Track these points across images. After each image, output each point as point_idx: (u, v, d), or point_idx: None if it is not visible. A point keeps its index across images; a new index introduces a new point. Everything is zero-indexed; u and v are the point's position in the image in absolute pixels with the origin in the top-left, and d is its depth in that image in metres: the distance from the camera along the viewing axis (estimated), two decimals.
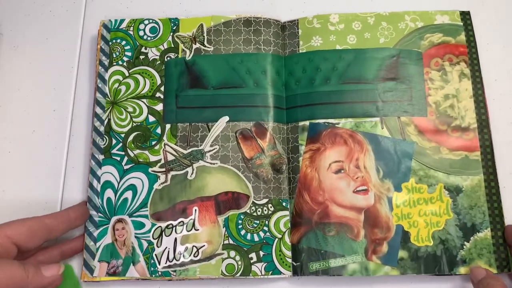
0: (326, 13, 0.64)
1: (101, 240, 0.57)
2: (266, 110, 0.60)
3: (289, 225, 0.57)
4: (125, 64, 0.63)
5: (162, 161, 0.59)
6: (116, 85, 0.62)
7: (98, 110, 0.61)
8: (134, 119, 0.61)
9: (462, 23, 0.62)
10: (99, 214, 0.58)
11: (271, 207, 0.57)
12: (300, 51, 0.63)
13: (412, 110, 0.59)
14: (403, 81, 0.60)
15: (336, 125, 0.59)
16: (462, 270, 0.54)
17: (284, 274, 0.55)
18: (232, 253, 0.56)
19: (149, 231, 0.57)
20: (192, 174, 0.58)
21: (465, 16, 0.62)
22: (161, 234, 0.56)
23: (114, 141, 0.60)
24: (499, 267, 0.54)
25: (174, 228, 0.57)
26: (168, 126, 0.60)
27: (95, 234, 0.57)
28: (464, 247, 0.55)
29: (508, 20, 0.64)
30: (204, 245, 0.56)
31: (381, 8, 0.64)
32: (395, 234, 0.56)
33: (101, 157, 0.60)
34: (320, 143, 0.59)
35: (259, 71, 0.61)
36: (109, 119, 0.61)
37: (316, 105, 0.60)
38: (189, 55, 0.63)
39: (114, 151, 0.60)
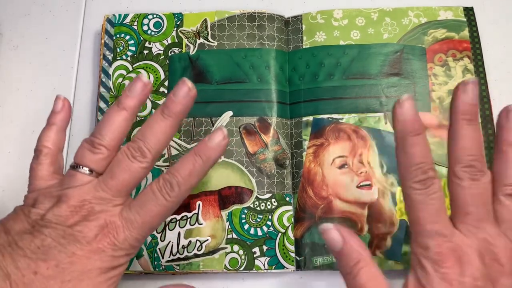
0: (330, 9, 0.64)
1: None
2: (269, 105, 0.60)
3: (292, 220, 0.57)
4: (129, 58, 0.63)
5: (166, 156, 0.59)
6: (120, 79, 0.62)
7: (102, 104, 0.61)
8: (137, 114, 0.60)
9: (465, 19, 0.62)
10: None
11: (274, 201, 0.57)
12: (304, 47, 0.63)
13: (415, 105, 0.59)
14: (407, 76, 0.60)
15: (340, 120, 0.59)
16: None
17: (287, 268, 0.55)
18: (236, 247, 0.56)
19: None
20: None
21: (469, 12, 0.62)
22: (164, 228, 0.56)
23: None
24: None
25: (177, 222, 0.57)
26: None
27: None
28: None
29: (509, 20, 0.64)
30: (207, 239, 0.56)
31: (385, 4, 0.64)
32: (399, 229, 0.56)
33: None
34: (323, 138, 0.59)
35: (263, 66, 0.61)
36: None
37: (320, 101, 0.60)
38: (193, 50, 0.63)
39: None
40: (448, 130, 0.40)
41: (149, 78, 0.61)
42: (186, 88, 0.43)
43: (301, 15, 0.64)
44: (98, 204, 0.40)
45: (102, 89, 0.62)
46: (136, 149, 0.41)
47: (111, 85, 0.62)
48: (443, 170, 0.57)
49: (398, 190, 0.57)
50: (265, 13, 0.64)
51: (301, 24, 0.64)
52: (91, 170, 0.41)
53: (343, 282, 0.40)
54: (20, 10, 0.69)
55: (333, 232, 0.40)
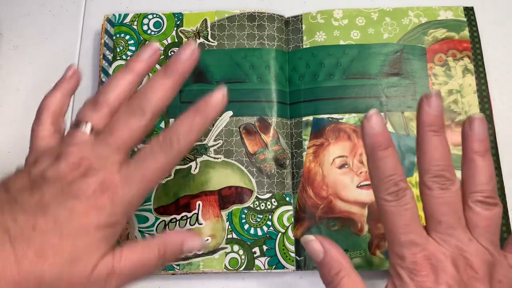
0: (330, 8, 0.64)
1: None
2: (269, 105, 0.60)
3: (292, 219, 0.57)
4: (128, 58, 0.63)
5: None
6: None
7: None
8: None
9: (465, 19, 0.62)
10: None
11: (274, 201, 0.57)
12: (304, 47, 0.63)
13: (416, 105, 0.59)
14: (407, 76, 0.60)
15: (340, 120, 0.59)
16: None
17: (287, 268, 0.55)
18: (236, 247, 0.56)
19: (153, 225, 0.57)
20: (195, 168, 0.59)
21: (469, 11, 0.62)
22: (164, 228, 0.57)
23: None
24: None
25: (177, 222, 0.57)
26: (171, 120, 0.60)
27: None
28: None
29: (509, 20, 0.64)
30: (207, 239, 0.56)
31: (385, 4, 0.64)
32: None
33: None
34: (323, 138, 0.59)
35: (263, 66, 0.61)
36: None
37: (320, 100, 0.60)
38: None
39: None
40: (416, 142, 0.41)
41: (148, 77, 0.62)
42: (189, 50, 0.43)
43: (301, 15, 0.64)
44: (97, 160, 0.40)
45: None
46: (135, 106, 0.42)
47: None
48: None
49: None
50: (265, 13, 0.63)
51: (301, 24, 0.64)
52: (91, 128, 0.41)
53: None
54: (20, 10, 0.69)
55: (315, 243, 0.42)
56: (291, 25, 0.64)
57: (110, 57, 0.63)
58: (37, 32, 0.68)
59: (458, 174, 0.56)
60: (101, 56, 0.63)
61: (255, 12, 0.64)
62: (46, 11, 0.69)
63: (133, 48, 0.64)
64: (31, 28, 0.68)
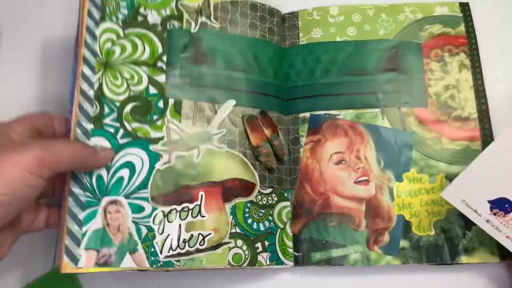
0: (326, 5, 0.64)
1: (88, 224, 0.48)
2: (270, 99, 0.59)
3: (290, 215, 0.57)
4: (119, 22, 0.55)
5: (165, 139, 0.53)
6: (109, 44, 0.54)
7: (87, 70, 0.52)
8: (132, 88, 0.54)
9: (461, 14, 0.63)
10: (86, 193, 0.49)
11: (275, 197, 0.56)
12: (300, 43, 0.62)
13: (412, 101, 0.60)
14: (403, 72, 0.61)
15: (337, 117, 0.59)
16: (464, 259, 0.54)
17: (286, 264, 0.54)
18: (239, 242, 0.53)
19: (149, 215, 0.51)
20: (198, 156, 0.54)
21: (464, 7, 0.63)
22: (163, 220, 0.51)
23: (106, 109, 0.52)
24: (502, 255, 0.54)
25: (178, 214, 0.52)
26: (171, 101, 0.55)
27: (81, 216, 0.48)
28: (466, 236, 0.55)
29: (508, 20, 0.66)
30: (210, 233, 0.52)
31: (380, 0, 0.64)
32: (397, 224, 0.56)
33: (90, 126, 0.51)
34: (320, 135, 0.59)
35: (265, 59, 0.60)
36: (101, 84, 0.52)
37: (317, 97, 0.60)
38: (195, 28, 0.58)
39: (106, 121, 0.52)
40: None
41: (144, 48, 0.56)
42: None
43: (297, 12, 0.64)
44: None
45: (86, 51, 0.52)
46: None
47: (97, 49, 0.53)
48: (441, 165, 0.57)
49: (395, 185, 0.57)
50: (266, 5, 0.62)
51: (297, 21, 0.63)
52: None
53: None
54: (20, 10, 0.68)
55: None
56: (287, 21, 0.64)
57: (97, 17, 0.54)
58: (37, 32, 0.66)
59: (456, 167, 0.57)
60: (86, 13, 0.53)
61: (257, 2, 0.62)
62: (47, 11, 0.67)
63: (125, 11, 0.55)
64: (32, 28, 0.66)
